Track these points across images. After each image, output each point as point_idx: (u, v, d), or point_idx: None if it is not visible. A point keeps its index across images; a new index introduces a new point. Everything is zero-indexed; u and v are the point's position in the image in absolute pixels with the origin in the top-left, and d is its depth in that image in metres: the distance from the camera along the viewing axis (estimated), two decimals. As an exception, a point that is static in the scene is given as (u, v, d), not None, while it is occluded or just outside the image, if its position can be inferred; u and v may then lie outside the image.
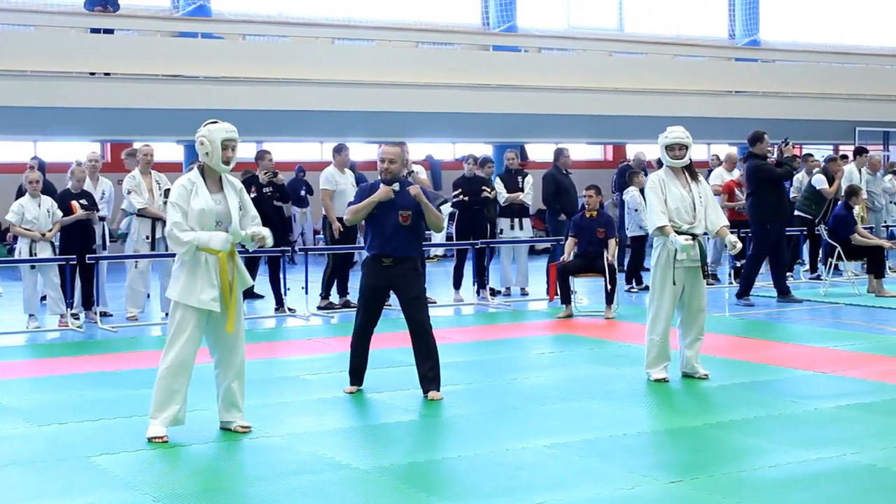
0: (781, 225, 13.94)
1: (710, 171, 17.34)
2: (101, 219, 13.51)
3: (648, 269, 9.89)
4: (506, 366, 9.92)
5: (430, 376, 8.36)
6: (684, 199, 8.80)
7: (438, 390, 8.32)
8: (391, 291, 8.56)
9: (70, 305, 12.71)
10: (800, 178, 17.06)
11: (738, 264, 15.72)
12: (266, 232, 7.41)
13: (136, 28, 19.47)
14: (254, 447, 6.99)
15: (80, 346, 11.43)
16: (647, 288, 11.24)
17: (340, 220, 13.37)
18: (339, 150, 14.21)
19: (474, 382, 8.85)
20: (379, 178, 8.41)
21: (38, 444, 7.15)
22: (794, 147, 14.78)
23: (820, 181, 15.73)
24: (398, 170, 8.41)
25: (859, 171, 16.97)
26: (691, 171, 8.98)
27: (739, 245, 8.94)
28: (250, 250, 7.85)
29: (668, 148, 8.90)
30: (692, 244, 8.71)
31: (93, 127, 18.22)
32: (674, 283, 8.75)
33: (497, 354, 10.55)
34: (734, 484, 6.04)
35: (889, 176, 19.11)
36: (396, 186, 8.32)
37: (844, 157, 18.54)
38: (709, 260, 16.03)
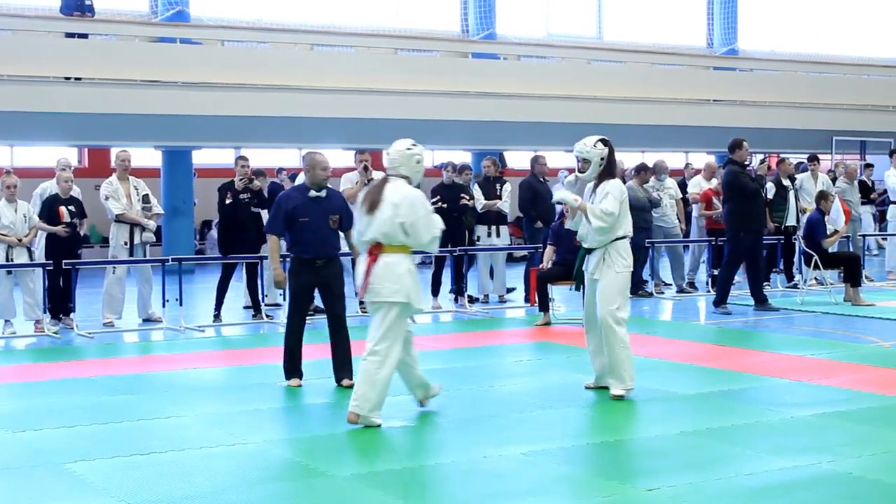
0: (756, 234, 13.96)
1: (683, 179, 17.38)
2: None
3: None
4: (483, 373, 9.92)
5: (346, 366, 9.04)
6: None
7: (351, 378, 8.81)
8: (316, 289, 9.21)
9: (46, 311, 12.64)
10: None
11: (715, 272, 15.81)
12: None
13: (115, 33, 19.39)
14: (229, 454, 6.96)
15: (56, 352, 11.36)
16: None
17: None
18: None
19: (451, 390, 8.84)
20: (305, 183, 9.16)
21: (12, 450, 7.10)
22: (768, 164, 14.86)
23: (769, 189, 15.78)
24: (328, 176, 9.05)
25: (815, 178, 17.06)
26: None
27: (567, 197, 8.91)
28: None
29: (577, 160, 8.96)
30: (573, 201, 8.77)
31: (70, 132, 18.13)
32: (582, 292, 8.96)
33: (474, 362, 10.54)
34: (710, 492, 6.05)
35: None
36: (324, 193, 9.03)
37: (801, 163, 18.72)
38: (686, 269, 16.30)
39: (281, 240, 9.37)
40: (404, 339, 7.75)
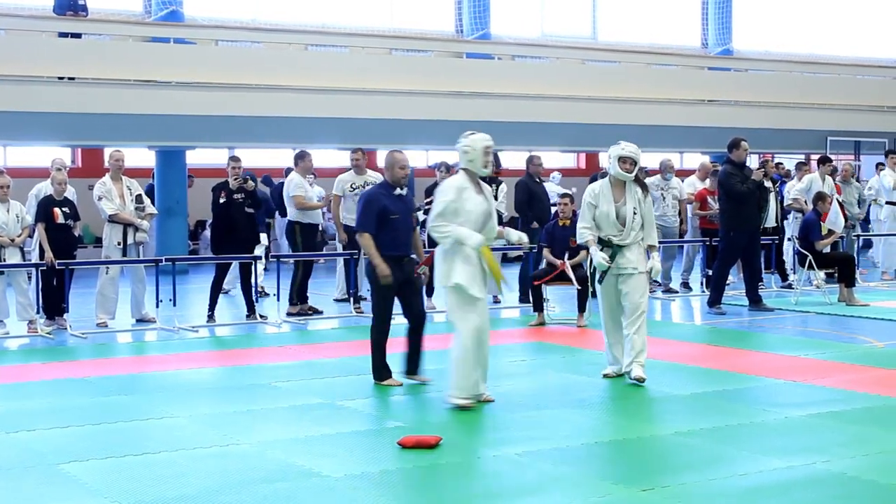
0: (751, 234, 13.93)
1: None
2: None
3: None
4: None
5: (421, 363, 9.19)
6: (609, 215, 9.22)
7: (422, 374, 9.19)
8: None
9: (40, 311, 12.62)
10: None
11: (709, 272, 15.83)
12: (515, 233, 8.79)
13: (109, 32, 19.36)
14: (224, 455, 6.95)
15: (50, 353, 11.33)
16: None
17: (300, 224, 14.11)
18: (303, 156, 14.43)
19: (446, 390, 8.81)
20: (386, 181, 9.17)
21: (6, 451, 7.08)
22: (763, 169, 14.78)
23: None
24: (407, 174, 9.16)
25: (822, 179, 17.04)
26: (641, 184, 9.45)
27: (658, 269, 9.49)
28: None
29: (622, 160, 9.28)
30: (605, 266, 9.14)
31: (63, 132, 18.10)
32: (599, 282, 9.31)
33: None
34: (705, 492, 6.05)
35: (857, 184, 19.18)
36: (404, 191, 9.14)
37: (805, 164, 18.69)
38: (681, 269, 16.31)
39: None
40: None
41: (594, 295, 9.68)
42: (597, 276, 9.30)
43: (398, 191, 9.07)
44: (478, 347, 8.26)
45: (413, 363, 9.18)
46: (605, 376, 9.39)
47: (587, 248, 10.33)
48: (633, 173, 9.28)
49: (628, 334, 9.18)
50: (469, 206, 8.24)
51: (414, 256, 9.31)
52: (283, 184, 14.98)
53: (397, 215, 8.97)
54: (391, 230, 8.95)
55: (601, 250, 9.21)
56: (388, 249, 8.94)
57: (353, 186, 14.00)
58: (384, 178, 9.21)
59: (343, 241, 14.14)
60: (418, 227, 9.49)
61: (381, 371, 9.18)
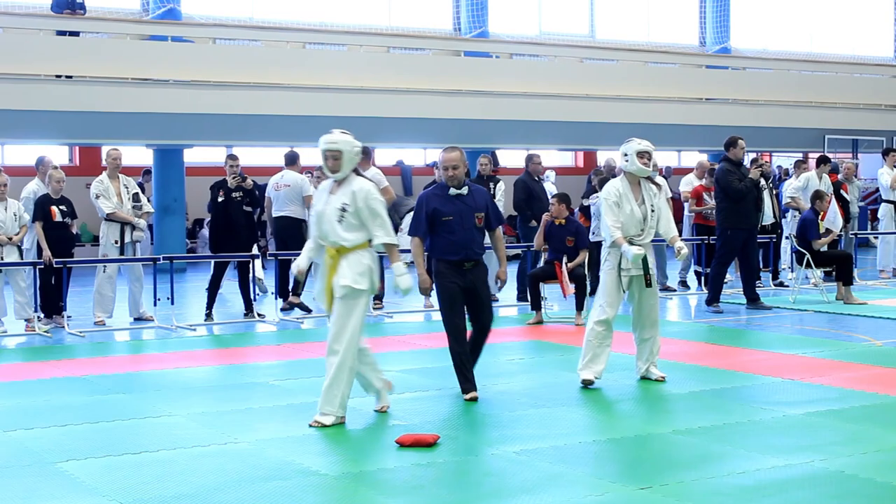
0: (748, 232, 13.93)
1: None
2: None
3: None
4: (475, 372, 9.87)
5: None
6: (634, 214, 8.97)
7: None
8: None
9: (37, 309, 12.61)
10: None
11: (698, 269, 15.87)
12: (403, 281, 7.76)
13: (106, 31, 19.35)
14: (221, 453, 6.94)
15: (47, 351, 11.33)
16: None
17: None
18: (294, 159, 14.64)
19: (444, 388, 8.83)
20: (443, 181, 8.56)
21: (3, 449, 7.07)
22: (758, 166, 14.76)
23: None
24: (462, 174, 8.44)
25: (820, 178, 17.05)
26: (654, 181, 9.22)
27: (685, 250, 9.17)
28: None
29: (640, 155, 8.98)
30: (643, 253, 8.85)
31: (61, 130, 18.10)
32: (623, 291, 8.99)
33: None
34: (703, 490, 6.05)
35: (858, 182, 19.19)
36: (465, 190, 8.44)
37: (803, 162, 18.68)
38: (679, 267, 16.32)
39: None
40: None
41: (592, 294, 9.63)
42: (623, 282, 8.92)
43: (454, 191, 8.39)
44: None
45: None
46: (587, 383, 8.93)
47: (584, 247, 10.39)
48: (650, 167, 9.08)
49: (651, 337, 9.10)
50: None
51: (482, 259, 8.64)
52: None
53: (450, 217, 8.35)
54: (447, 233, 8.37)
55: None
56: (445, 254, 8.40)
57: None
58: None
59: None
60: (500, 228, 8.73)
61: (464, 382, 8.46)
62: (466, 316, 8.56)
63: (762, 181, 15.73)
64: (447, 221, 8.37)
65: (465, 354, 8.46)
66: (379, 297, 14.03)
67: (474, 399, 8.36)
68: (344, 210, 7.57)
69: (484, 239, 8.63)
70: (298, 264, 7.88)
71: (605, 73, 23.41)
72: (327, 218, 7.60)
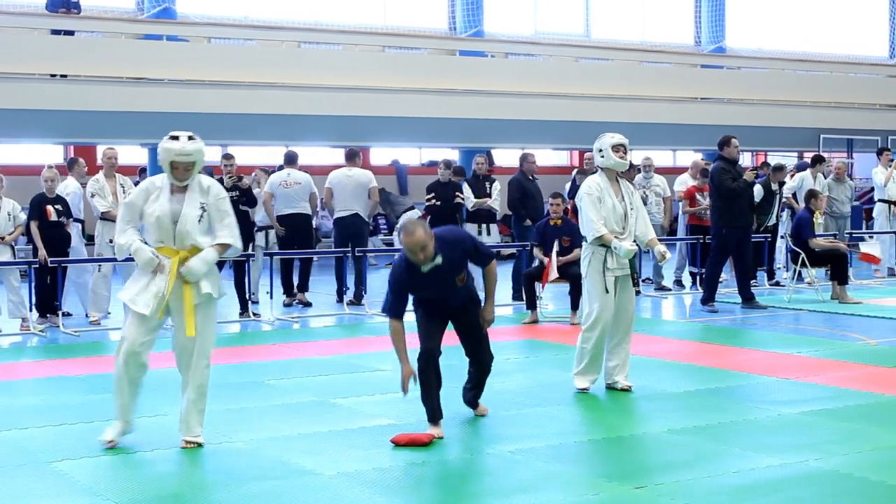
0: (742, 231, 13.93)
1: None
2: (78, 220, 13.47)
3: None
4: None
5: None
6: (616, 210, 8.65)
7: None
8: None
9: (32, 309, 12.59)
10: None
11: (693, 269, 15.88)
12: None
13: (101, 30, 19.34)
14: (217, 452, 6.94)
15: (42, 350, 11.31)
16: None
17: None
18: (295, 158, 14.80)
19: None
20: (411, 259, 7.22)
21: (-3, 449, 7.07)
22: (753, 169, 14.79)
23: (758, 192, 15.54)
24: (431, 250, 7.12)
25: (814, 178, 17.06)
26: (627, 176, 9.01)
27: (668, 255, 8.84)
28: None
29: (615, 148, 8.62)
30: (635, 249, 8.66)
31: (56, 129, 18.08)
32: (606, 291, 8.61)
33: (462, 360, 10.44)
34: (698, 490, 6.05)
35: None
36: (439, 260, 7.19)
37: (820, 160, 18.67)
38: (673, 266, 16.32)
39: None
40: None
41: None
42: (606, 281, 8.56)
43: (426, 267, 7.20)
44: (126, 371, 7.23)
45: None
46: (584, 391, 8.73)
47: (579, 247, 10.27)
48: (627, 161, 8.74)
49: (625, 342, 8.78)
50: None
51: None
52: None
53: (427, 289, 7.46)
54: (426, 297, 7.58)
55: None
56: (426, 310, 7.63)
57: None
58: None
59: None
60: (492, 262, 7.72)
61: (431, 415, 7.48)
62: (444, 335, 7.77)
63: (775, 186, 15.77)
64: (424, 294, 7.55)
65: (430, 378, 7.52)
66: (359, 297, 14.17)
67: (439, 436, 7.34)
68: (203, 210, 7.22)
69: (473, 285, 7.78)
70: None
71: (601, 72, 23.42)
72: (190, 219, 7.10)
